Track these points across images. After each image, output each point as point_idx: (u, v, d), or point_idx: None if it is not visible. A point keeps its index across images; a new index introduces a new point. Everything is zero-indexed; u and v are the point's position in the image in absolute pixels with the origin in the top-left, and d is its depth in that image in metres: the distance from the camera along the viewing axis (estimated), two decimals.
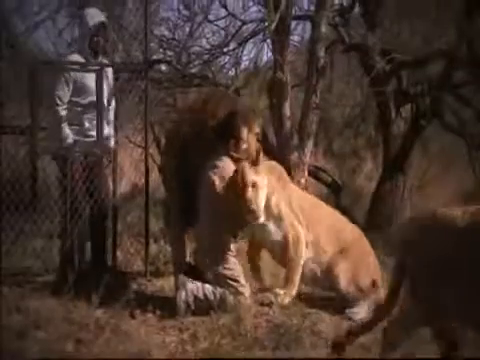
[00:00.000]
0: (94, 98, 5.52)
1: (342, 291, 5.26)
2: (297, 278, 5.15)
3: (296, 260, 5.16)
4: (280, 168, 5.40)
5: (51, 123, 5.57)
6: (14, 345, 4.19)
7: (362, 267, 5.34)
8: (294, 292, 5.13)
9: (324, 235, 5.31)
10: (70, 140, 5.45)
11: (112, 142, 5.75)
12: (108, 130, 5.68)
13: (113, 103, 5.77)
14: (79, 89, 5.53)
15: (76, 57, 5.61)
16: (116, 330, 4.48)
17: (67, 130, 5.45)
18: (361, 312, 5.11)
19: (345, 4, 8.29)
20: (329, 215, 5.54)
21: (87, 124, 5.54)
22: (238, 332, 4.57)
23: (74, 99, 5.53)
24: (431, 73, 7.78)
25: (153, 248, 6.24)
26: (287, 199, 5.25)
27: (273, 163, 5.46)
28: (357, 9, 8.29)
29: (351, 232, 5.48)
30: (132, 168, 6.82)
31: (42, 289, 5.20)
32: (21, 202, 5.42)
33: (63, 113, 5.45)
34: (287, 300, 5.07)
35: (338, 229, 5.40)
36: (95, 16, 5.60)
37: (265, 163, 5.24)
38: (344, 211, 8.11)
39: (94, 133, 5.53)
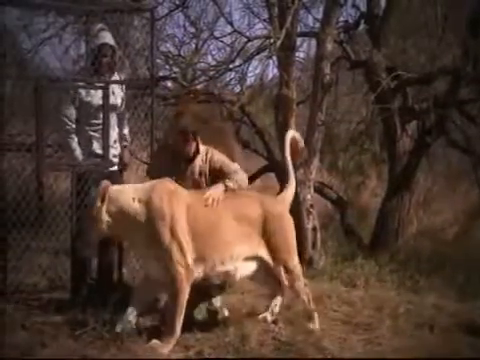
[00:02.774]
0: (100, 117, 5.53)
1: None
2: (178, 325, 4.60)
3: (176, 308, 4.61)
4: (166, 188, 4.77)
5: (61, 141, 5.60)
6: None
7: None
8: (174, 341, 4.59)
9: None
10: (79, 157, 5.47)
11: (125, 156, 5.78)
12: (118, 148, 5.71)
13: (125, 119, 5.81)
14: (85, 108, 5.54)
15: (81, 76, 5.63)
16: (122, 347, 4.48)
17: (76, 147, 5.47)
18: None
19: (350, 21, 8.32)
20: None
21: (95, 144, 5.55)
22: (243, 349, 4.56)
23: (81, 118, 5.54)
24: (437, 90, 7.79)
25: None
26: (172, 226, 4.63)
27: (157, 184, 4.80)
28: (362, 26, 8.32)
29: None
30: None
31: (48, 306, 5.20)
32: (27, 219, 5.43)
33: (72, 131, 5.47)
34: (166, 350, 4.53)
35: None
36: (100, 35, 5.62)
37: (148, 184, 4.82)
38: (350, 228, 8.15)
39: (101, 152, 5.55)
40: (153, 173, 5.15)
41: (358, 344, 4.89)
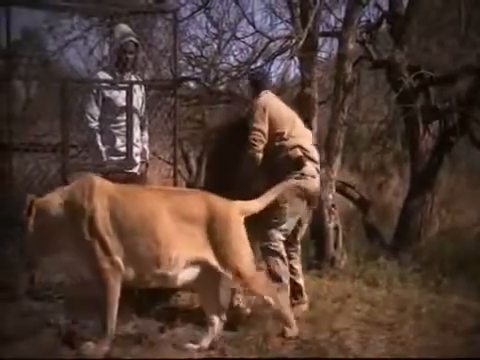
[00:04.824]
0: (124, 115, 5.59)
1: None
2: (109, 324, 4.37)
3: (106, 307, 4.39)
4: (88, 183, 4.53)
5: (87, 140, 5.66)
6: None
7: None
8: (108, 341, 4.37)
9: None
10: (104, 155, 5.54)
11: (146, 157, 5.84)
12: (140, 147, 5.76)
13: (146, 120, 5.86)
14: (109, 106, 5.61)
15: (104, 75, 5.69)
16: (145, 344, 4.53)
17: (101, 146, 5.54)
18: None
19: (372, 21, 8.32)
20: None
21: (118, 141, 5.62)
22: (266, 348, 4.58)
23: (104, 116, 5.61)
24: (459, 89, 7.76)
25: None
26: (92, 223, 4.41)
27: (80, 181, 4.62)
28: (384, 25, 8.32)
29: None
30: (161, 184, 6.87)
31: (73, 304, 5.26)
32: None
33: (96, 130, 5.54)
34: (101, 352, 4.33)
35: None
36: (125, 33, 5.69)
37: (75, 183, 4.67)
38: (372, 227, 8.15)
39: (124, 149, 5.60)
40: None
41: (380, 344, 4.86)
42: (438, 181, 8.11)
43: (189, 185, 9.03)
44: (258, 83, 5.54)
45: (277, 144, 5.22)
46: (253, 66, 7.76)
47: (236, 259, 4.57)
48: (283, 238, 5.28)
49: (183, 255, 4.47)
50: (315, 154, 5.31)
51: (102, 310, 4.40)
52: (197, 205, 4.57)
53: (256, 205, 4.77)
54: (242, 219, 4.67)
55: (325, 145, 7.02)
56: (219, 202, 4.64)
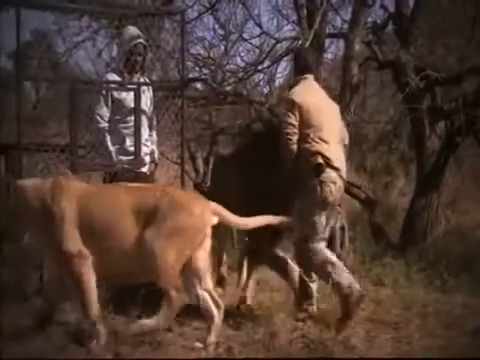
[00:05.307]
0: (132, 116, 5.64)
1: None
2: (91, 308, 4.48)
3: (83, 300, 4.48)
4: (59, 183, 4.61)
5: (96, 141, 5.71)
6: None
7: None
8: (99, 324, 4.48)
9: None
10: (113, 156, 5.59)
11: (155, 157, 5.88)
12: (150, 147, 5.81)
13: (154, 121, 5.91)
14: (118, 107, 5.66)
15: (113, 76, 5.74)
16: (153, 343, 4.57)
17: (110, 146, 5.59)
18: None
19: (378, 22, 8.34)
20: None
21: (128, 141, 5.67)
22: (273, 347, 4.62)
23: (113, 117, 5.66)
24: (466, 90, 7.78)
25: None
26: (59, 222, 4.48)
27: (52, 180, 4.66)
28: (390, 26, 8.34)
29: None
30: (168, 185, 6.91)
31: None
32: None
33: (106, 130, 5.59)
34: (95, 343, 4.42)
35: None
36: (134, 35, 5.74)
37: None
38: (378, 227, 8.17)
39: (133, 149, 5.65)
40: None
41: (387, 343, 4.89)
42: (444, 181, 8.12)
43: (196, 185, 9.07)
44: (298, 64, 5.37)
45: (300, 147, 5.12)
46: (260, 67, 7.79)
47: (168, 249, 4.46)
48: (324, 244, 5.22)
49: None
50: (339, 161, 5.16)
51: (80, 299, 4.48)
52: (159, 200, 4.52)
53: (237, 220, 4.72)
54: (211, 219, 4.59)
55: None
56: (184, 197, 4.65)
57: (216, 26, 8.49)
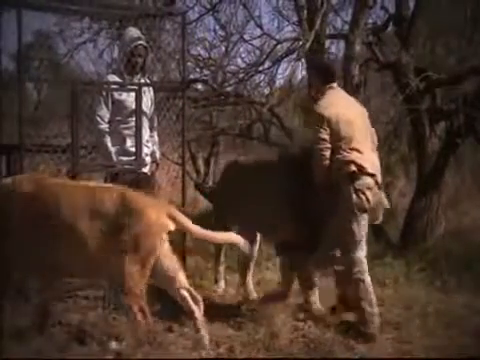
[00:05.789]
0: (133, 117, 5.66)
1: None
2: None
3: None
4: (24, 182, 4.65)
5: (97, 142, 5.73)
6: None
7: None
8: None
9: None
10: (114, 157, 5.61)
11: (156, 157, 5.90)
12: (150, 148, 5.83)
13: (155, 121, 5.93)
14: (118, 108, 5.68)
15: (113, 77, 5.76)
16: (154, 344, 4.58)
17: (111, 147, 5.61)
18: None
19: (379, 23, 8.36)
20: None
21: (128, 142, 5.68)
22: (273, 347, 4.63)
23: (114, 118, 5.68)
24: (465, 90, 7.79)
25: (190, 263, 6.34)
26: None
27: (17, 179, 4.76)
28: (391, 28, 8.35)
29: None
30: (169, 185, 6.94)
31: (83, 303, 5.34)
32: None
33: (106, 131, 5.61)
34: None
35: None
36: (134, 36, 5.75)
37: None
38: (378, 227, 8.17)
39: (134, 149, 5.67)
40: None
41: (387, 343, 4.91)
42: (444, 182, 8.14)
43: (197, 186, 9.10)
44: (320, 74, 5.31)
45: (333, 158, 5.08)
46: (261, 68, 7.80)
47: (129, 261, 4.41)
48: (364, 254, 5.17)
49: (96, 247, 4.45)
50: (373, 166, 5.13)
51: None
52: (112, 201, 4.48)
53: (195, 228, 4.64)
54: (167, 224, 4.53)
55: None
56: (140, 201, 4.53)
57: (217, 27, 8.53)
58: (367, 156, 5.11)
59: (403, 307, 5.59)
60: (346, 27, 7.83)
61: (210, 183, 9.55)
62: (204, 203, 9.41)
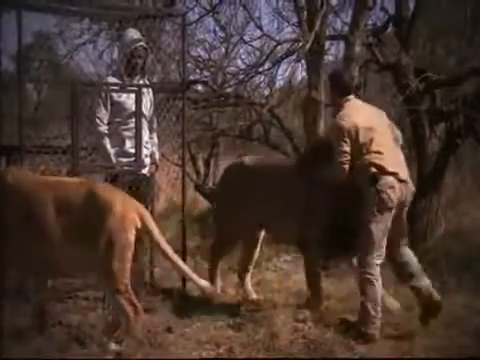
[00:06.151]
0: (133, 118, 5.67)
1: None
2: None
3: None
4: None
5: (96, 143, 5.74)
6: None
7: None
8: None
9: None
10: (113, 158, 5.62)
11: (156, 158, 5.91)
12: (150, 149, 5.84)
13: (155, 123, 5.94)
14: (118, 109, 5.69)
15: (113, 79, 5.77)
16: (154, 344, 4.59)
17: (110, 149, 5.61)
18: None
19: (379, 24, 8.36)
20: None
21: (128, 143, 5.69)
22: (273, 347, 4.64)
23: (113, 119, 5.69)
24: (465, 91, 7.80)
25: (190, 264, 6.34)
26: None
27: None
28: (390, 29, 8.35)
29: None
30: (169, 186, 6.95)
31: (83, 304, 5.34)
32: None
33: (105, 133, 5.62)
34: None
35: None
36: (134, 38, 5.76)
37: None
38: None
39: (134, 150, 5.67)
40: None
41: (387, 343, 4.92)
42: (444, 182, 8.14)
43: (197, 187, 9.10)
44: (338, 87, 5.46)
45: (354, 164, 5.21)
46: (260, 69, 7.80)
47: (107, 259, 4.40)
48: (378, 262, 5.22)
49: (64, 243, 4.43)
50: (395, 165, 5.22)
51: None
52: (78, 195, 4.47)
53: (157, 235, 4.58)
54: (135, 217, 4.48)
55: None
56: (105, 193, 4.50)
57: (217, 28, 8.54)
58: (387, 156, 5.20)
59: (403, 307, 5.59)
60: (346, 28, 7.83)
61: (210, 184, 9.57)
62: (204, 204, 9.42)
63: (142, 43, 5.71)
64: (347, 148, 5.18)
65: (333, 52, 8.90)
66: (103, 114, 5.64)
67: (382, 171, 5.13)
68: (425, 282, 5.35)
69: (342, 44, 7.99)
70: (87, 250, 4.38)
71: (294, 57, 7.61)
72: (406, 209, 5.42)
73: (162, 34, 6.55)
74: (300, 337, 4.91)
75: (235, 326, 5.01)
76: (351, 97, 5.42)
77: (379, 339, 4.97)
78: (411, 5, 8.18)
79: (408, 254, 5.49)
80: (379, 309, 5.09)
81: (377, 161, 5.14)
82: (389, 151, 5.26)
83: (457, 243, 7.72)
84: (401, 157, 5.36)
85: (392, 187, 5.15)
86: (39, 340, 4.48)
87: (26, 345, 4.39)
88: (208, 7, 8.30)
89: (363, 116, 5.32)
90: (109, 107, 5.65)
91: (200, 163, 9.78)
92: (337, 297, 5.72)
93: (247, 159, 5.98)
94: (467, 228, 8.57)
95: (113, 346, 4.45)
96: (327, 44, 7.88)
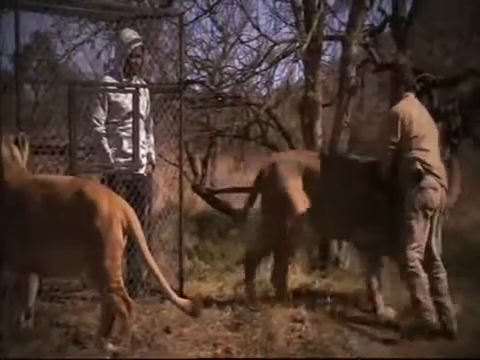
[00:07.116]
0: (130, 118, 5.67)
1: None
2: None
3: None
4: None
5: (94, 143, 5.73)
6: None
7: None
8: None
9: None
10: (111, 158, 5.62)
11: (152, 158, 5.91)
12: (147, 149, 5.85)
13: (151, 123, 5.94)
14: (115, 110, 5.69)
15: (110, 79, 5.77)
16: (151, 345, 4.59)
17: (108, 149, 5.62)
18: None
19: (376, 24, 8.35)
20: None
21: (125, 143, 5.70)
22: (270, 348, 4.64)
23: (111, 119, 5.70)
24: (463, 92, 7.80)
25: (187, 264, 6.35)
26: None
27: None
28: (388, 29, 8.35)
29: None
30: (166, 186, 6.95)
31: (80, 304, 5.34)
32: None
33: (103, 133, 5.62)
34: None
35: None
36: (132, 38, 5.77)
37: None
38: None
39: (131, 151, 5.67)
40: None
41: (385, 344, 4.93)
42: None
43: (194, 187, 9.09)
44: (402, 80, 5.65)
45: (401, 156, 5.33)
46: (258, 69, 7.80)
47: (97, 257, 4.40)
48: (419, 256, 5.23)
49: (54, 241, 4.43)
50: (439, 169, 5.32)
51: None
52: (66, 193, 4.46)
53: (140, 232, 4.58)
54: (122, 215, 4.47)
55: (329, 148, 7.07)
56: (92, 191, 4.48)
57: (214, 28, 8.51)
58: (434, 157, 5.32)
59: (403, 307, 5.59)
60: (343, 28, 7.82)
61: (207, 184, 9.56)
62: (202, 204, 9.42)
63: (140, 43, 5.72)
64: (395, 139, 5.30)
65: (330, 52, 8.90)
66: (101, 114, 5.65)
67: (427, 169, 5.21)
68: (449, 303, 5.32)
69: (339, 44, 7.98)
70: (75, 249, 4.39)
71: (291, 57, 7.59)
72: (441, 218, 5.46)
73: (159, 34, 6.55)
74: (297, 337, 4.91)
75: (232, 326, 5.01)
76: (410, 94, 5.56)
77: (378, 339, 4.98)
78: (408, 5, 8.18)
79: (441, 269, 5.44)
80: (429, 297, 5.15)
81: (424, 158, 5.23)
82: (435, 154, 5.38)
83: (455, 244, 7.73)
84: (443, 167, 5.44)
85: (435, 189, 5.23)
86: (37, 341, 4.47)
87: (24, 346, 4.38)
88: (205, 7, 8.28)
89: (419, 113, 5.47)
90: (106, 107, 5.66)
91: (197, 163, 9.77)
92: (335, 298, 5.73)
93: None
94: (467, 228, 8.59)
95: (110, 346, 4.45)
96: (324, 44, 7.87)
